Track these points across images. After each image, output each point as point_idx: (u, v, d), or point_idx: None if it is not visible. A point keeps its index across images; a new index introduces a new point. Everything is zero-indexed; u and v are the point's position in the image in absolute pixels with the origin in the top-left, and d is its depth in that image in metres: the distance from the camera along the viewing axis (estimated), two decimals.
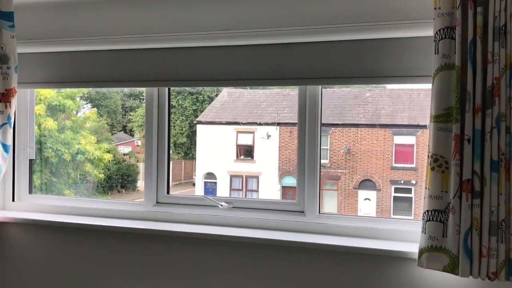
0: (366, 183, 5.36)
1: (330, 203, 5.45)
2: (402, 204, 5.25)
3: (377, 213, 5.24)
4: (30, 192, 3.10)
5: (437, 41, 2.04)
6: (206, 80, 2.66)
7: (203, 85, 2.60)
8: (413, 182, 5.16)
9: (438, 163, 2.04)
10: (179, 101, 5.09)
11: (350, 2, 2.34)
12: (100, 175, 4.63)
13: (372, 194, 5.37)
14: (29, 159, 3.09)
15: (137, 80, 2.74)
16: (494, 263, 1.95)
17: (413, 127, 5.04)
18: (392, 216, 5.08)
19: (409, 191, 5.28)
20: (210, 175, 5.59)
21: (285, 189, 5.25)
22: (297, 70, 2.46)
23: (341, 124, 5.27)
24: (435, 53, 2.04)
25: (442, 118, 2.03)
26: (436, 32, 2.04)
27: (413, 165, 5.18)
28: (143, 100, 4.34)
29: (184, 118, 5.10)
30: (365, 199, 5.36)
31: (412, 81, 2.39)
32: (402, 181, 5.25)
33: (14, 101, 2.76)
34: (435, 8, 2.05)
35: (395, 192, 5.28)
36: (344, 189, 5.41)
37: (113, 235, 2.71)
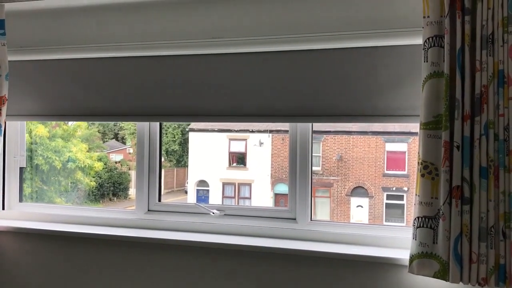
0: (358, 190, 5.37)
1: (322, 210, 5.45)
2: (394, 211, 5.27)
3: (369, 220, 5.25)
4: (21, 200, 3.08)
5: (426, 49, 2.06)
6: (198, 116, 2.67)
7: (197, 120, 2.63)
8: (405, 189, 5.18)
9: (428, 170, 2.06)
10: None
11: (337, 11, 2.36)
12: (91, 183, 4.60)
13: (364, 201, 5.38)
14: (20, 167, 3.08)
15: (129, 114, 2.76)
16: (484, 269, 1.96)
17: (405, 134, 5.07)
18: (384, 223, 5.09)
19: (401, 198, 5.30)
20: (202, 182, 5.58)
21: (277, 197, 5.25)
22: (288, 108, 2.48)
23: (333, 132, 5.28)
24: (424, 61, 2.07)
25: (431, 125, 2.05)
26: (425, 40, 2.07)
27: (405, 172, 5.20)
28: None
29: (176, 126, 5.09)
30: (357, 206, 5.36)
31: (400, 120, 2.42)
32: (394, 188, 5.27)
33: (4, 109, 2.75)
34: (424, 17, 2.08)
35: (387, 199, 5.30)
36: (337, 196, 5.41)
37: (104, 243, 2.70)
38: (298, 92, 2.45)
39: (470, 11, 1.99)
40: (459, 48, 1.99)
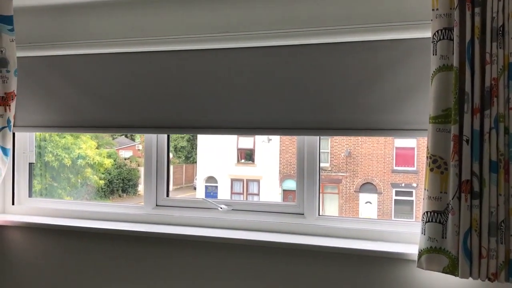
0: (367, 186, 5.36)
1: (331, 207, 5.44)
2: (403, 207, 5.25)
3: (378, 216, 5.23)
4: (30, 195, 3.10)
5: (435, 42, 2.04)
6: (206, 128, 2.65)
7: (205, 133, 2.63)
8: (414, 185, 5.16)
9: (437, 164, 2.04)
10: None
11: (344, 4, 2.35)
12: (100, 181, 4.62)
13: (373, 197, 5.36)
14: (29, 163, 3.10)
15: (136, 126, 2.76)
16: (494, 264, 1.94)
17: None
18: (393, 219, 5.07)
19: (410, 194, 5.27)
20: (211, 179, 5.59)
21: (286, 193, 5.25)
22: (296, 121, 2.47)
23: None
24: (433, 54, 2.04)
25: (440, 119, 2.03)
26: (434, 33, 2.05)
27: (414, 168, 5.17)
28: None
29: None
30: (366, 202, 5.35)
31: (408, 135, 2.39)
32: (403, 184, 5.24)
33: (13, 105, 2.77)
34: (433, 9, 2.05)
35: (396, 195, 5.28)
36: (345, 192, 5.40)
37: (113, 238, 2.71)
38: (306, 105, 2.45)
39: (480, 3, 1.96)
40: (468, 41, 1.96)
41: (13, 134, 2.90)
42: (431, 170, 2.05)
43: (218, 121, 2.59)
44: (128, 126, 2.78)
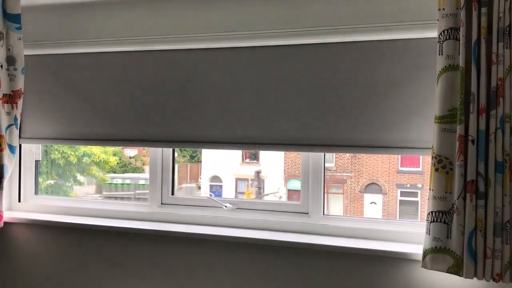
0: (372, 187, 5.34)
1: (336, 207, 5.43)
2: (408, 208, 5.23)
3: (383, 217, 5.21)
4: (36, 193, 3.12)
5: (441, 42, 2.04)
6: (210, 143, 2.65)
7: (209, 147, 2.65)
8: (419, 185, 5.14)
9: (442, 164, 2.04)
10: None
11: (351, 5, 2.35)
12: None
13: (378, 198, 5.35)
14: (35, 160, 3.11)
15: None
16: (499, 264, 1.94)
17: None
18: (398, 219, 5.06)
19: (415, 194, 5.25)
20: (215, 178, 5.59)
21: (290, 192, 5.24)
22: (298, 138, 2.49)
23: None
24: (439, 54, 2.04)
25: (446, 119, 2.03)
26: (440, 33, 2.04)
27: (419, 169, 5.15)
28: None
29: None
30: (371, 203, 5.33)
31: (412, 153, 2.40)
32: (408, 185, 5.22)
33: (20, 103, 2.78)
34: (439, 9, 2.05)
35: (401, 195, 5.26)
36: (350, 192, 5.39)
37: (118, 235, 2.72)
38: (311, 120, 2.46)
39: (487, 2, 1.95)
40: (475, 41, 1.96)
41: (20, 132, 2.92)
42: (436, 170, 2.05)
43: (222, 137, 2.60)
44: (134, 140, 2.79)
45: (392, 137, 2.33)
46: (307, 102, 2.45)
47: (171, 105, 2.68)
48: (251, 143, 2.57)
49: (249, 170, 5.49)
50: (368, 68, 2.36)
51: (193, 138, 2.66)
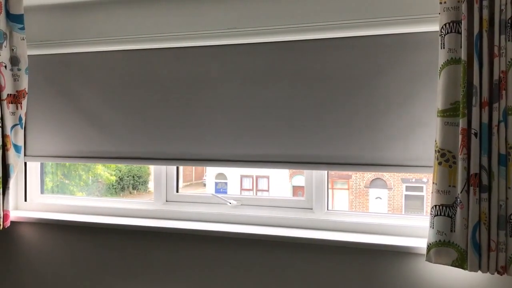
0: (377, 182, 5.33)
1: (341, 202, 5.42)
2: (414, 202, 5.21)
3: (388, 212, 5.20)
4: (42, 192, 3.14)
5: (443, 35, 2.03)
6: (210, 160, 2.67)
7: (209, 165, 2.67)
8: (425, 180, 5.12)
9: (445, 157, 2.03)
10: None
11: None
12: (111, 177, 4.65)
13: (383, 193, 5.33)
14: None
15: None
16: (503, 257, 1.94)
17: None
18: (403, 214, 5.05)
19: (420, 189, 5.24)
20: (220, 175, 5.60)
21: (295, 189, 5.24)
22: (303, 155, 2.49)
23: None
24: (441, 48, 2.04)
25: (449, 112, 2.03)
26: (442, 27, 2.04)
27: None
28: None
29: None
30: (376, 198, 5.32)
31: (412, 170, 2.40)
32: (413, 180, 5.21)
33: (25, 102, 2.80)
34: (440, 3, 2.05)
35: (406, 190, 5.24)
36: (355, 188, 5.38)
37: (123, 233, 2.74)
38: (314, 139, 2.47)
39: None
40: (476, 34, 1.95)
41: (25, 131, 2.93)
42: (440, 163, 2.05)
43: (224, 155, 2.62)
44: (138, 158, 2.81)
45: (394, 156, 2.35)
46: (311, 123, 2.47)
47: (173, 122, 2.70)
48: (253, 161, 2.59)
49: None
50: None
51: (196, 156, 2.66)
